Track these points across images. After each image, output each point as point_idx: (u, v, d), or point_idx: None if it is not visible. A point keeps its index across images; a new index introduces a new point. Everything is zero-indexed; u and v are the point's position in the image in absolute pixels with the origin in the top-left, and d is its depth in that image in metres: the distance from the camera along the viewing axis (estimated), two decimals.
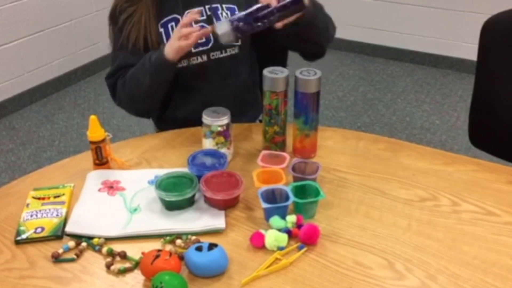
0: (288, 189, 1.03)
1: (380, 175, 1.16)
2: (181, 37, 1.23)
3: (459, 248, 0.95)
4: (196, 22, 1.36)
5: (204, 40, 1.36)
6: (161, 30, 1.36)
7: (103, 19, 3.62)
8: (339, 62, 3.66)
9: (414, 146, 1.28)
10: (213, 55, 1.39)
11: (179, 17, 1.36)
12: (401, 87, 3.35)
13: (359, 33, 3.74)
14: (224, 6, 1.39)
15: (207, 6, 1.38)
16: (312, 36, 1.32)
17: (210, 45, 1.38)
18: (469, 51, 3.43)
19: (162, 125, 1.56)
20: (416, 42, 3.59)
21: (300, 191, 1.05)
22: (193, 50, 1.36)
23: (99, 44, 3.44)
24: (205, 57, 1.39)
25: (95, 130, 1.15)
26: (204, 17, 1.37)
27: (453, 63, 3.51)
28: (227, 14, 1.39)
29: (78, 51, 3.35)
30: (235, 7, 1.40)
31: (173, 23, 1.37)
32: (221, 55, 1.40)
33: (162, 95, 1.39)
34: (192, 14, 1.25)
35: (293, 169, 1.11)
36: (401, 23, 3.59)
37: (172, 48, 1.26)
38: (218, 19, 1.37)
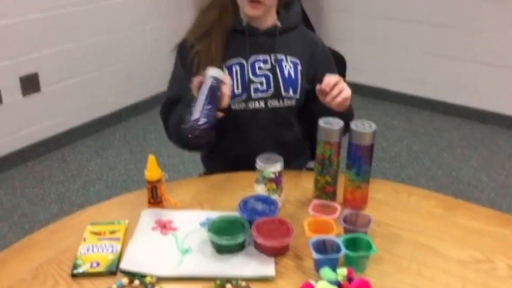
0: (340, 241, 1.03)
1: (432, 232, 1.14)
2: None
3: None
4: (260, 69, 1.41)
5: (264, 87, 1.41)
6: (225, 71, 1.41)
7: (157, 60, 3.76)
8: (384, 113, 3.66)
9: (467, 205, 1.26)
10: (270, 103, 1.43)
11: (244, 62, 1.42)
12: (447, 141, 3.30)
13: (405, 84, 3.75)
14: (288, 58, 1.44)
15: (272, 56, 1.43)
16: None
17: (269, 93, 1.42)
18: None
19: (210, 163, 1.60)
20: (464, 97, 3.56)
21: (351, 244, 1.04)
22: (252, 96, 1.41)
23: (150, 83, 3.57)
24: (262, 104, 1.43)
25: (152, 170, 1.19)
26: (269, 66, 1.42)
27: (502, 119, 3.45)
28: (290, 66, 1.43)
29: (130, 89, 3.49)
30: (298, 61, 1.45)
31: (237, 67, 1.42)
32: (278, 105, 1.43)
33: (208, 140, 1.40)
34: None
35: (345, 220, 1.11)
36: (448, 77, 3.58)
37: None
38: (282, 70, 1.42)
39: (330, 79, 1.28)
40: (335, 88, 1.27)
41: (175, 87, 1.46)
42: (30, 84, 2.86)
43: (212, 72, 1.22)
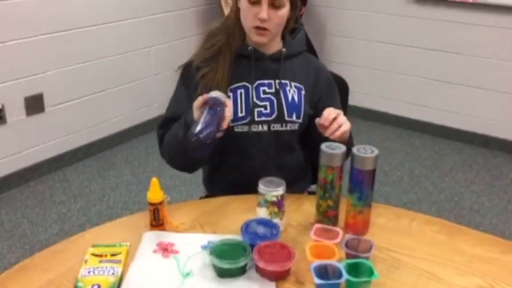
0: (342, 266, 1.02)
1: (434, 258, 1.14)
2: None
3: None
4: (264, 93, 1.43)
5: (268, 111, 1.42)
6: (230, 94, 1.43)
7: (161, 82, 3.80)
8: (386, 136, 3.67)
9: (469, 231, 1.26)
10: (273, 127, 1.44)
11: (249, 86, 1.43)
12: (449, 165, 3.30)
13: (407, 108, 3.77)
14: (293, 84, 1.46)
15: (277, 81, 1.44)
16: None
17: (272, 116, 1.43)
18: None
19: (211, 185, 1.60)
20: (465, 122, 3.57)
21: (353, 269, 1.04)
22: (255, 119, 1.42)
23: (154, 105, 3.60)
24: (265, 127, 1.44)
25: (155, 192, 1.20)
26: (273, 90, 1.44)
27: (504, 145, 3.46)
28: (294, 91, 1.45)
29: (134, 110, 3.51)
30: (302, 87, 1.47)
31: (242, 90, 1.43)
32: (281, 128, 1.44)
33: (202, 156, 1.41)
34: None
35: (346, 245, 1.10)
36: (451, 102, 3.60)
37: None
38: (286, 94, 1.44)
39: (329, 113, 1.30)
40: (334, 123, 1.30)
41: (175, 107, 1.48)
42: (34, 104, 2.88)
43: (215, 94, 1.26)
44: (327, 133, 1.31)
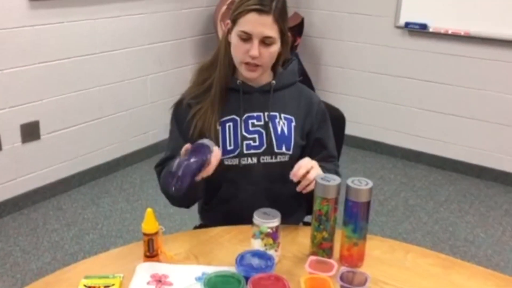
0: None
1: None
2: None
3: None
4: (253, 126, 1.44)
5: (257, 143, 1.43)
6: (219, 127, 1.44)
7: (157, 110, 3.81)
8: (381, 166, 3.68)
9: (464, 264, 1.25)
10: (263, 159, 1.44)
11: (238, 118, 1.44)
12: (443, 196, 3.31)
13: (401, 138, 3.80)
14: (282, 115, 1.47)
15: (266, 113, 1.46)
16: None
17: (262, 149, 1.44)
18: None
19: (205, 215, 1.60)
20: (460, 152, 3.60)
21: None
22: (244, 151, 1.42)
23: (149, 133, 3.61)
24: (255, 160, 1.44)
25: (150, 223, 1.19)
26: (262, 123, 1.45)
27: (498, 175, 3.47)
28: (284, 123, 1.46)
29: (129, 138, 3.52)
30: (293, 118, 1.47)
31: (231, 123, 1.44)
32: (271, 160, 1.45)
33: (194, 194, 1.42)
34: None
35: (341, 278, 1.10)
36: (445, 132, 3.63)
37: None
38: (275, 126, 1.44)
39: (299, 168, 1.30)
40: (305, 179, 1.30)
41: (171, 147, 1.49)
42: (30, 131, 2.88)
43: (205, 140, 1.29)
44: (298, 189, 1.31)
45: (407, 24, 3.53)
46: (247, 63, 1.39)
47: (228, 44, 1.43)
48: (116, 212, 2.96)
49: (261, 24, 1.35)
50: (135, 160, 3.56)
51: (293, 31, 3.70)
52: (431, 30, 3.46)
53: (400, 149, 3.81)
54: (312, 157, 1.37)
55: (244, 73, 1.41)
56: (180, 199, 1.43)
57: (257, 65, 1.39)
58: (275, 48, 1.40)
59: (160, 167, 1.49)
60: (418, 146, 3.75)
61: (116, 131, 3.41)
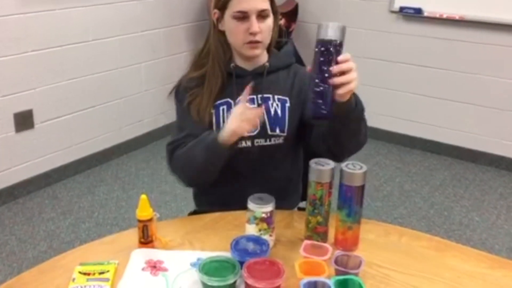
0: (331, 283, 1.02)
1: (424, 274, 1.14)
2: (244, 120, 1.29)
3: None
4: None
5: None
6: (213, 111, 1.43)
7: (151, 98, 3.79)
8: (376, 151, 3.69)
9: (458, 247, 1.26)
10: (257, 142, 1.44)
11: (231, 101, 1.44)
12: (438, 180, 3.32)
13: (397, 124, 3.80)
14: (276, 97, 1.46)
15: (259, 96, 1.45)
16: (342, 135, 1.35)
17: (255, 132, 1.43)
18: (510, 149, 3.42)
19: (200, 201, 1.60)
20: (455, 137, 3.60)
21: (343, 285, 1.04)
22: None
23: (144, 121, 3.59)
24: (249, 143, 1.44)
25: (144, 209, 1.19)
26: (255, 105, 1.44)
27: (493, 159, 3.49)
28: (277, 104, 1.45)
29: (124, 126, 3.50)
30: (287, 98, 1.47)
31: (225, 106, 1.44)
32: (265, 143, 1.44)
33: (215, 173, 1.41)
34: (245, 95, 1.34)
35: (336, 262, 1.10)
36: (440, 117, 3.63)
37: (229, 129, 1.31)
38: (268, 109, 1.44)
39: (346, 57, 1.27)
40: (347, 75, 1.28)
41: (184, 125, 1.46)
42: (24, 120, 2.87)
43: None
44: (335, 81, 1.24)
45: (401, 9, 3.51)
46: (249, 42, 1.39)
47: (221, 33, 1.43)
48: (111, 200, 2.95)
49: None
50: (130, 148, 3.55)
51: (287, 16, 3.68)
52: (425, 14, 3.44)
53: (395, 134, 3.81)
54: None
55: (248, 52, 1.41)
56: (201, 171, 1.40)
57: (258, 42, 1.39)
58: (270, 20, 1.41)
59: (172, 145, 1.45)
60: (413, 132, 3.76)
61: (111, 119, 3.39)
